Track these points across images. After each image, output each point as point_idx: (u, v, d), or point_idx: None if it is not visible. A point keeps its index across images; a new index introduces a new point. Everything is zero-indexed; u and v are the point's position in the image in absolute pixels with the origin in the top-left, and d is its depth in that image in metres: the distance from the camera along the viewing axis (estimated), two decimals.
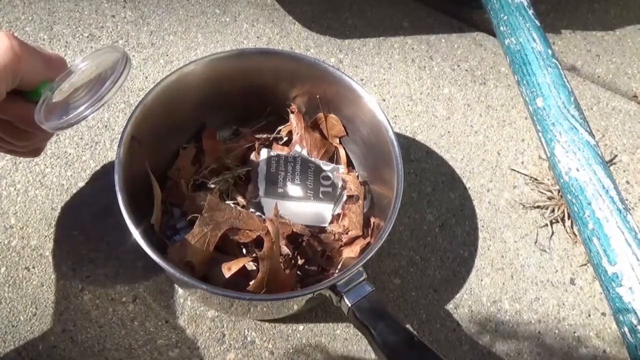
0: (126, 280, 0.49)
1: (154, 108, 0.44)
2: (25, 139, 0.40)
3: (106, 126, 0.57)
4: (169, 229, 0.49)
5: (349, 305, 0.38)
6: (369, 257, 0.39)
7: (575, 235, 0.54)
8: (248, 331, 0.48)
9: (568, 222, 0.55)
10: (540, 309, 0.51)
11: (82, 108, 0.34)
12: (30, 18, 0.63)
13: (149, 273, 0.50)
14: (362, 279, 0.39)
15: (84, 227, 0.51)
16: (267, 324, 0.48)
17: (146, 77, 0.61)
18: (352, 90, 0.47)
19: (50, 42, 0.62)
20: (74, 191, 0.53)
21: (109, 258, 0.50)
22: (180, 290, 0.49)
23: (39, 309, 0.47)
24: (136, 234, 0.37)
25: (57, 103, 0.35)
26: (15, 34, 0.62)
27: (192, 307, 0.49)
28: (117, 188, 0.39)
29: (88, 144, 0.56)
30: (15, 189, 0.52)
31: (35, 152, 0.44)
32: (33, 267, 0.49)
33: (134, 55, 0.62)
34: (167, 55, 0.63)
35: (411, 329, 0.49)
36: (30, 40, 0.62)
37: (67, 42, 0.62)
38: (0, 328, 0.46)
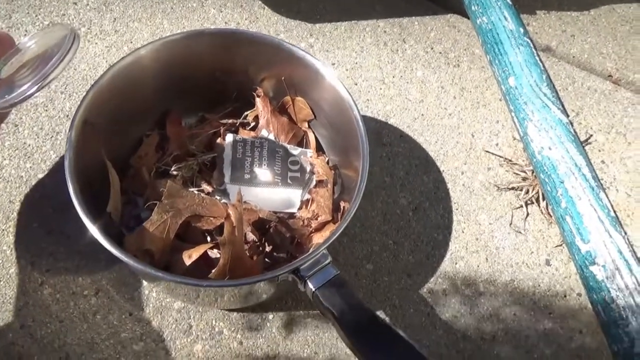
0: (88, 273, 0.47)
1: (109, 92, 0.42)
2: None
3: (67, 116, 0.55)
4: (132, 219, 0.47)
5: (313, 289, 0.37)
6: (332, 239, 0.38)
7: (551, 216, 0.54)
8: (216, 321, 0.47)
9: (543, 203, 0.54)
10: (516, 291, 0.50)
11: (26, 86, 0.33)
12: None
13: (111, 265, 0.48)
14: (327, 262, 0.38)
15: (44, 220, 0.49)
16: (235, 313, 0.47)
17: (110, 65, 0.59)
18: (314, 69, 0.46)
19: (8, 30, 0.60)
20: (34, 183, 0.51)
21: (70, 251, 0.48)
22: (144, 282, 0.48)
23: None
24: (85, 219, 0.36)
25: (0, 82, 0.34)
26: None
27: (157, 298, 0.47)
28: (67, 172, 0.37)
29: (48, 135, 0.54)
30: None
31: None
32: None
33: (96, 43, 0.60)
34: (131, 42, 0.61)
35: (378, 313, 0.48)
36: None
37: (26, 31, 0.60)
38: None
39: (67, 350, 0.44)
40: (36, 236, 0.48)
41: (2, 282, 0.46)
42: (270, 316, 0.47)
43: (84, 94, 0.41)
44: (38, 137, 0.54)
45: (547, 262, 0.52)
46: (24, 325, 0.45)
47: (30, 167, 0.52)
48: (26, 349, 0.44)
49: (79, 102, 0.55)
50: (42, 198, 0.50)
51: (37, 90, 0.33)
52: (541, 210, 0.54)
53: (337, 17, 0.66)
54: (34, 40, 0.35)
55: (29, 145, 0.53)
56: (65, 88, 0.57)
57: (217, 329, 0.46)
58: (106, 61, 0.59)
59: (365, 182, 0.40)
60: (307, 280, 0.37)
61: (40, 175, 0.52)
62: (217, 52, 0.47)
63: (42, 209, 0.50)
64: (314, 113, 0.51)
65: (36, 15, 0.61)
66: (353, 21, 0.66)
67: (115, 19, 0.62)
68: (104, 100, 0.42)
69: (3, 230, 0.48)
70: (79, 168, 0.39)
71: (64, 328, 0.45)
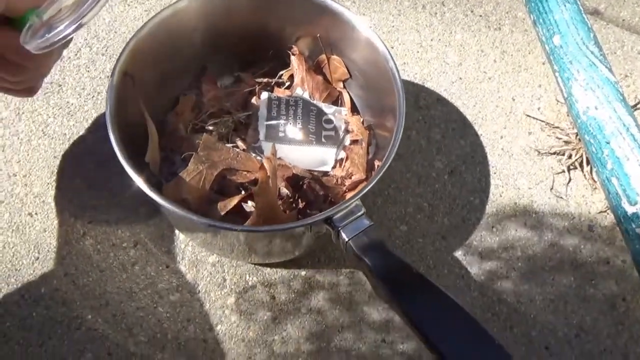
0: (127, 226, 0.49)
1: (148, 43, 0.43)
2: (18, 74, 0.40)
3: (108, 77, 0.56)
4: (170, 175, 0.48)
5: (346, 239, 0.37)
6: (366, 189, 0.38)
7: (595, 181, 0.51)
8: (249, 276, 0.47)
9: (587, 168, 0.52)
10: (556, 256, 0.49)
11: (63, 26, 0.33)
12: None
13: (150, 219, 0.49)
14: (360, 213, 0.38)
15: (86, 175, 0.51)
16: (268, 269, 0.47)
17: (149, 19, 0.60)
18: (350, 24, 0.45)
19: None
20: (77, 140, 0.53)
21: (110, 205, 0.50)
22: (181, 236, 0.49)
23: (41, 253, 0.47)
24: (125, 164, 0.37)
25: (41, 24, 0.35)
26: None
27: (193, 252, 0.48)
28: (108, 118, 0.38)
29: (90, 94, 0.55)
30: (18, 138, 0.52)
31: (30, 91, 0.43)
32: (36, 214, 0.49)
33: (136, 7, 0.61)
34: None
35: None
36: None
37: None
38: (3, 271, 0.46)
39: (107, 298, 0.46)
40: (79, 190, 0.50)
41: (47, 233, 0.48)
42: (303, 272, 0.47)
43: (124, 45, 0.42)
44: (80, 97, 0.55)
45: (590, 228, 0.50)
46: (68, 273, 0.47)
47: (73, 124, 0.54)
48: (69, 295, 0.46)
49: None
50: (84, 154, 0.52)
51: (74, 31, 0.33)
52: (584, 175, 0.52)
53: None
54: None
55: (72, 104, 0.55)
56: (106, 50, 0.58)
57: (250, 283, 0.47)
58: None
59: (401, 132, 0.39)
60: (341, 230, 0.37)
61: (83, 133, 0.53)
62: (253, 7, 0.47)
63: (85, 165, 0.51)
64: (349, 72, 0.50)
65: None
66: None
67: None
68: (144, 52, 0.43)
69: (48, 184, 0.50)
70: (119, 119, 0.40)
71: (104, 277, 0.47)
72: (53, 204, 0.49)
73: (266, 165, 0.41)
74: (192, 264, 0.48)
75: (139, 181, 0.37)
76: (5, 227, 0.48)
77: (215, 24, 0.47)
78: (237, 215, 0.43)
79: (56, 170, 0.51)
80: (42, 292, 0.46)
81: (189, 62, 0.50)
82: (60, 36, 0.32)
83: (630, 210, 0.43)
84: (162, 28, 0.44)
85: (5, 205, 0.49)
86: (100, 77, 0.57)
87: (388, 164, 0.38)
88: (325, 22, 0.47)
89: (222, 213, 0.41)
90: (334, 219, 0.37)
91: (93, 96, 0.55)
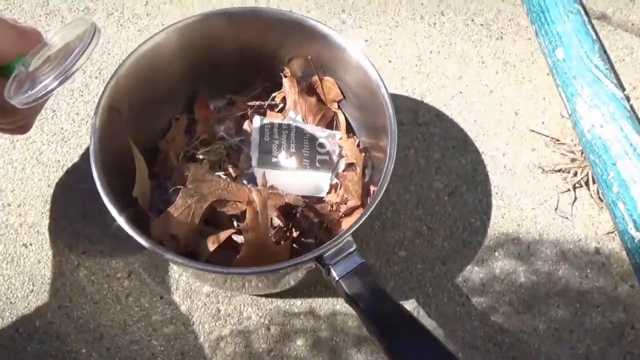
0: (121, 256, 0.48)
1: (131, 78, 0.42)
2: (8, 116, 0.39)
3: None
4: (162, 204, 0.47)
5: (337, 278, 0.36)
6: (356, 226, 0.36)
7: (602, 201, 0.49)
8: (244, 307, 0.46)
9: (593, 187, 0.50)
10: (560, 282, 0.47)
11: (47, 81, 0.33)
12: None
13: (143, 249, 0.48)
14: (351, 249, 0.37)
15: (80, 204, 0.50)
16: (263, 299, 0.47)
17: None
18: (340, 47, 0.44)
19: (46, 17, 0.61)
20: (70, 168, 0.52)
21: (104, 234, 0.49)
22: (174, 266, 0.48)
23: (35, 285, 0.47)
24: (109, 205, 0.36)
25: (25, 77, 0.34)
26: (12, 12, 0.62)
27: (187, 282, 0.47)
28: (92, 159, 0.37)
29: (84, 120, 0.55)
30: (12, 167, 0.52)
31: (23, 129, 0.43)
32: (30, 244, 0.49)
33: (129, 27, 0.60)
34: (162, 25, 0.60)
35: (411, 302, 0.46)
36: (27, 17, 0.62)
37: (63, 17, 0.61)
38: None
39: (101, 331, 0.45)
40: (73, 219, 0.50)
41: (41, 264, 0.48)
42: (299, 302, 0.46)
43: (107, 80, 0.41)
44: (74, 122, 0.55)
45: (597, 251, 0.48)
46: (62, 305, 0.46)
47: (67, 151, 0.53)
48: (63, 328, 0.45)
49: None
50: (78, 182, 0.52)
51: (59, 85, 0.33)
52: (591, 194, 0.50)
53: None
54: (59, 35, 0.36)
55: (66, 130, 0.54)
56: (100, 73, 0.58)
57: (245, 314, 0.46)
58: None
59: (392, 165, 0.38)
60: (331, 268, 0.36)
61: (76, 160, 0.53)
62: (238, 32, 0.46)
63: (79, 193, 0.51)
64: (343, 93, 0.49)
65: (72, 1, 0.62)
66: None
67: (147, 2, 0.62)
68: (128, 86, 0.42)
69: (42, 213, 0.50)
70: (106, 154, 0.39)
71: (98, 309, 0.46)
72: (47, 234, 0.49)
73: (256, 198, 0.40)
74: (186, 295, 0.47)
75: (121, 221, 0.36)
76: (0, 259, 0.48)
77: (199, 50, 0.46)
78: (228, 249, 0.42)
79: (50, 199, 0.51)
80: (37, 325, 0.46)
81: (179, 87, 0.49)
82: (44, 92, 0.32)
83: (637, 236, 0.41)
84: (144, 61, 0.43)
85: (0, 236, 0.49)
86: (94, 101, 0.56)
87: (378, 198, 0.37)
88: (316, 45, 0.46)
89: (212, 249, 0.40)
90: (325, 257, 0.36)
91: (87, 121, 0.55)
